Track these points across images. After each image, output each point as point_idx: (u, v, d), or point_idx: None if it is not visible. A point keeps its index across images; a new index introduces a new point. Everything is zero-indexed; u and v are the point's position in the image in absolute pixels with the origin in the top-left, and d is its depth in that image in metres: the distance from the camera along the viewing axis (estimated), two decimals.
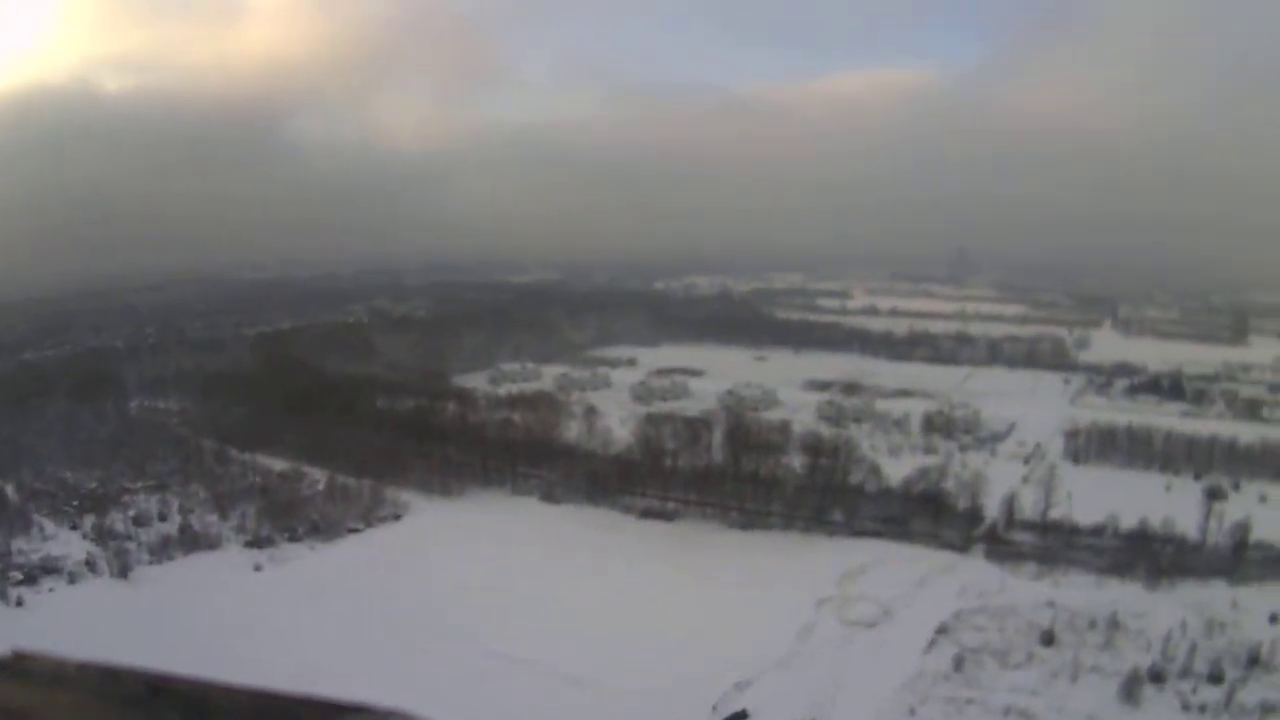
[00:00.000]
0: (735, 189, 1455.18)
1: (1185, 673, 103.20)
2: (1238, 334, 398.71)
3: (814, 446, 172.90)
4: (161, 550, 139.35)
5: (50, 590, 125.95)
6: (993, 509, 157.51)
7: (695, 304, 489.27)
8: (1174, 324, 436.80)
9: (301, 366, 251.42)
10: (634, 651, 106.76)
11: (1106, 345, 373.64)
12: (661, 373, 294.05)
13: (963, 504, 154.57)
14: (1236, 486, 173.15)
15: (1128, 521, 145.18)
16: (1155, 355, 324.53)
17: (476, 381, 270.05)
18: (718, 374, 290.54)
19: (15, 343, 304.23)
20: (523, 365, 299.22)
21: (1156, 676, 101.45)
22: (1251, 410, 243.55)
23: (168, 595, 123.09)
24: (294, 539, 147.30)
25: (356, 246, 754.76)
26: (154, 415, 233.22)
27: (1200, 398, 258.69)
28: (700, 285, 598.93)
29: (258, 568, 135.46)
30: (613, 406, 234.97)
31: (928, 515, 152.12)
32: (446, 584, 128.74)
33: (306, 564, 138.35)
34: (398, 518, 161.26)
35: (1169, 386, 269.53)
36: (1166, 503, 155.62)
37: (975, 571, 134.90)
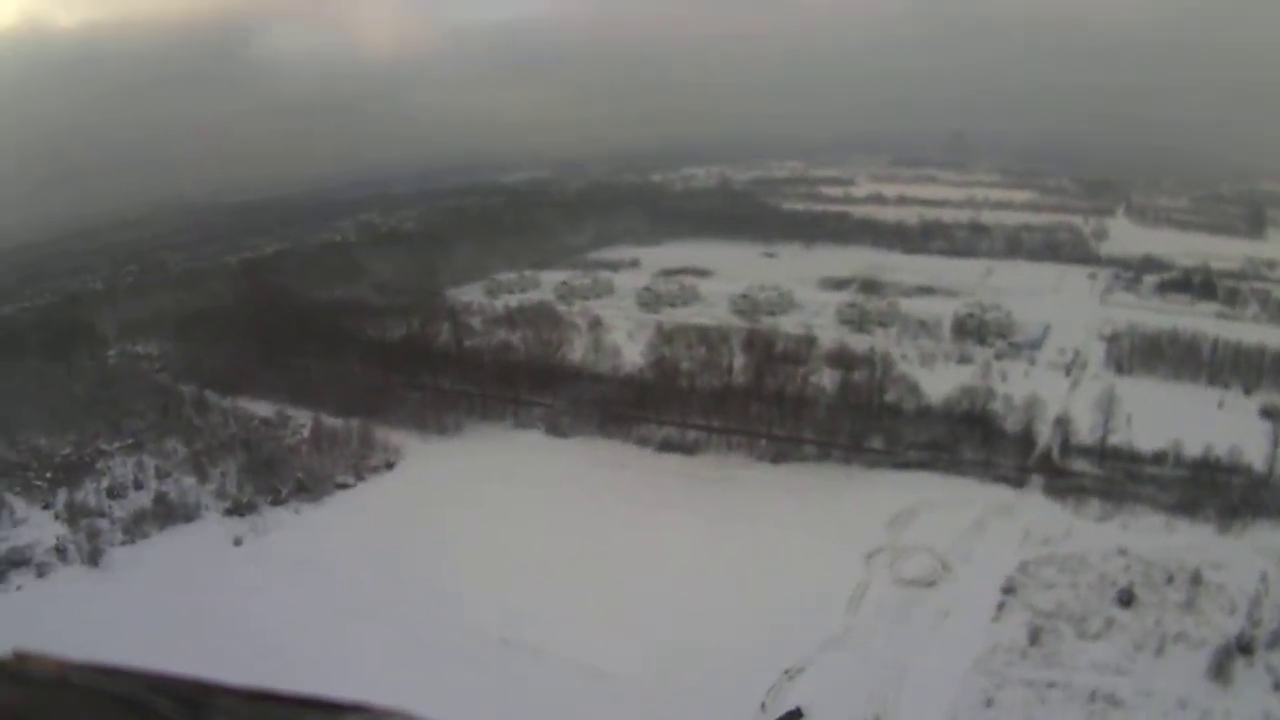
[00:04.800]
0: (727, 67, 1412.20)
1: (1274, 642, 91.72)
2: (1255, 226, 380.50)
3: (844, 360, 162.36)
4: (135, 527, 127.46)
5: (18, 589, 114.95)
6: (1043, 431, 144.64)
7: (695, 197, 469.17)
8: (1187, 214, 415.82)
9: (284, 295, 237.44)
10: (661, 630, 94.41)
11: (1125, 235, 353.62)
12: (668, 274, 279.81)
13: (1012, 425, 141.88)
14: None
15: (1189, 448, 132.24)
16: (1177, 248, 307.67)
17: (472, 294, 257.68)
18: (727, 274, 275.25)
19: None
20: (520, 274, 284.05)
21: (1244, 648, 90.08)
22: None
23: (140, 586, 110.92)
24: (277, 501, 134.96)
25: (344, 158, 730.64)
26: (133, 363, 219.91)
27: (1233, 297, 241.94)
28: (698, 176, 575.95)
29: (238, 542, 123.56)
30: (618, 316, 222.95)
31: (975, 440, 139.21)
32: (446, 550, 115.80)
33: (291, 534, 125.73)
34: (390, 466, 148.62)
35: (1200, 284, 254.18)
36: (1222, 423, 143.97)
37: (1036, 511, 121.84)
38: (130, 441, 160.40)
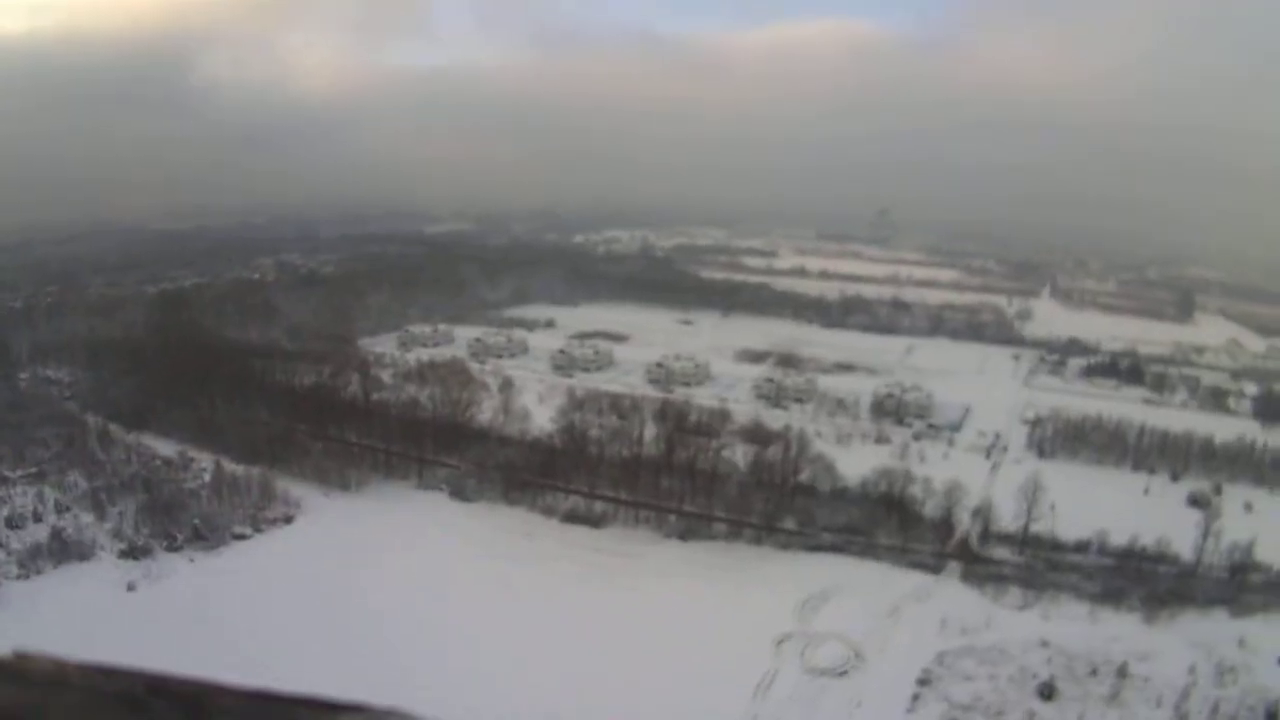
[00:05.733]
0: (659, 138, 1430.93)
1: None
2: (1183, 311, 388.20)
3: (759, 436, 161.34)
4: (31, 561, 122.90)
5: None
6: (962, 516, 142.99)
7: (616, 260, 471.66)
8: (1114, 297, 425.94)
9: (197, 331, 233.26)
10: (556, 712, 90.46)
11: (1049, 317, 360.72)
12: (583, 337, 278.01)
13: (930, 510, 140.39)
14: (1218, 490, 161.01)
15: (1114, 535, 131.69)
16: (1103, 331, 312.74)
17: (385, 345, 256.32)
18: (643, 340, 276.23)
19: None
20: (434, 327, 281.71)
21: None
22: (1216, 400, 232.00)
23: (34, 625, 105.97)
24: (173, 548, 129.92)
25: (272, 193, 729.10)
26: (43, 388, 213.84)
27: (1160, 383, 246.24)
28: (621, 240, 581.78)
29: (131, 587, 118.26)
30: (531, 378, 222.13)
31: (892, 523, 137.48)
32: (340, 613, 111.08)
33: (184, 583, 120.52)
34: (289, 520, 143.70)
35: (1127, 369, 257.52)
36: (1148, 510, 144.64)
37: (954, 598, 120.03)
38: (34, 470, 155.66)
